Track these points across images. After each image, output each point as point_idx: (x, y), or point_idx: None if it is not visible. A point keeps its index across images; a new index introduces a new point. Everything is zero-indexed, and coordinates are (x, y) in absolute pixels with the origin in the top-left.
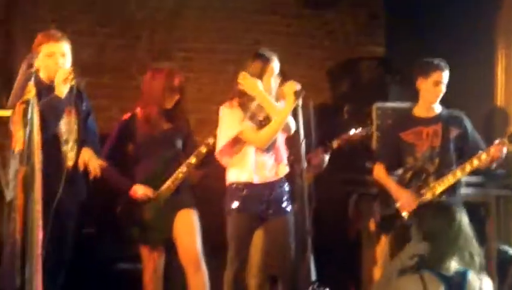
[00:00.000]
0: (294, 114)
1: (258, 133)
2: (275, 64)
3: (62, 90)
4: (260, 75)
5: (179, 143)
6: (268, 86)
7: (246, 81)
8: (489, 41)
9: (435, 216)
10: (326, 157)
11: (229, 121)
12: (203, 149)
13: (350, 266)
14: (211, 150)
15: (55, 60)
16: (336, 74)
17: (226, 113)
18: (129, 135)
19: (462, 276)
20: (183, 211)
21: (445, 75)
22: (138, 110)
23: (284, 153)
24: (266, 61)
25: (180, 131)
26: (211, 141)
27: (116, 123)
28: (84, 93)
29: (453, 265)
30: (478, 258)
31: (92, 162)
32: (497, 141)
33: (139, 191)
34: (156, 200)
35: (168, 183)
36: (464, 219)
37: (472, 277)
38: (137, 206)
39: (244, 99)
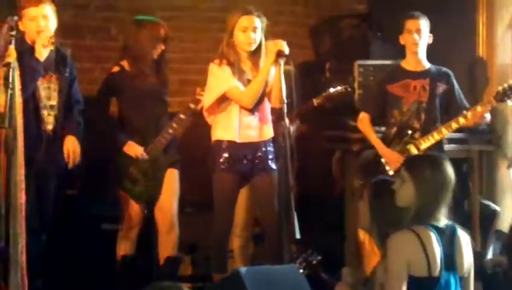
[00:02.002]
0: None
1: (243, 92)
2: (250, 19)
3: (41, 53)
4: (231, 29)
5: (167, 97)
6: (240, 40)
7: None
8: None
9: (434, 171)
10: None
11: (217, 79)
12: (192, 105)
13: (335, 224)
14: (200, 106)
15: (37, 22)
16: (318, 32)
17: (214, 70)
18: (118, 89)
19: (451, 229)
20: (169, 170)
21: (421, 23)
22: (125, 63)
23: (269, 114)
24: (239, 14)
25: (166, 85)
26: (200, 96)
27: (105, 76)
28: (70, 60)
29: (443, 218)
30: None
31: (73, 152)
32: (484, 100)
33: (133, 149)
34: (148, 157)
35: (160, 138)
36: (453, 171)
37: (460, 231)
38: (130, 160)
39: (233, 58)
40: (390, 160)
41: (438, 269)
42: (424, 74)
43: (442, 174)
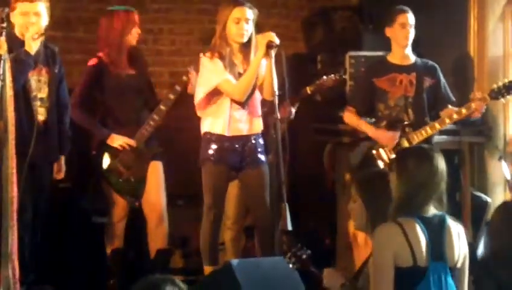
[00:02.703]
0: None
1: (235, 85)
2: (242, 10)
3: (32, 46)
4: (225, 21)
5: (145, 89)
6: (233, 32)
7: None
8: None
9: (418, 162)
10: (293, 110)
11: (209, 73)
12: (172, 96)
13: (326, 216)
14: (179, 96)
15: (28, 18)
16: (310, 24)
17: (206, 63)
18: (98, 81)
19: (440, 219)
20: (153, 163)
21: (410, 17)
22: (102, 54)
23: (259, 108)
24: (231, 6)
25: (144, 76)
26: (178, 87)
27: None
28: (58, 57)
29: (432, 209)
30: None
31: (63, 172)
32: (478, 96)
33: (116, 141)
34: (132, 149)
35: (142, 131)
36: (443, 163)
37: (450, 222)
38: (113, 154)
39: (225, 50)
40: (386, 139)
41: (424, 258)
42: (411, 68)
43: (427, 166)
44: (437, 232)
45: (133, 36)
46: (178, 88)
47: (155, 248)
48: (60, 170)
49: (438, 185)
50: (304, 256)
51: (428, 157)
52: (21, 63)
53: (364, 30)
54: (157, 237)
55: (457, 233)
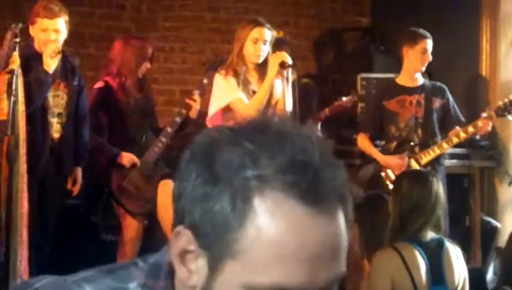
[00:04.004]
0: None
1: (247, 105)
2: (261, 31)
3: (50, 65)
4: (244, 40)
5: (150, 113)
6: (250, 52)
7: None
8: (474, 11)
9: (412, 184)
10: (318, 128)
11: (222, 90)
12: (177, 119)
13: None
14: (185, 119)
15: (48, 35)
16: (321, 44)
17: (219, 81)
18: (105, 104)
19: (438, 243)
20: (164, 181)
21: (431, 44)
22: (109, 78)
23: None
24: (251, 26)
25: (150, 100)
26: (183, 111)
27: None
28: (78, 70)
29: (429, 233)
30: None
31: (79, 184)
32: (484, 115)
33: (127, 159)
34: (141, 170)
35: (149, 152)
36: (440, 187)
37: (449, 245)
38: (121, 175)
39: (240, 68)
40: (396, 165)
41: (424, 283)
42: (419, 89)
43: (420, 188)
44: (436, 256)
45: (142, 70)
46: (184, 111)
47: None
48: (75, 182)
49: (433, 209)
50: None
51: (422, 179)
52: (40, 83)
53: (376, 51)
54: None
55: (456, 255)
